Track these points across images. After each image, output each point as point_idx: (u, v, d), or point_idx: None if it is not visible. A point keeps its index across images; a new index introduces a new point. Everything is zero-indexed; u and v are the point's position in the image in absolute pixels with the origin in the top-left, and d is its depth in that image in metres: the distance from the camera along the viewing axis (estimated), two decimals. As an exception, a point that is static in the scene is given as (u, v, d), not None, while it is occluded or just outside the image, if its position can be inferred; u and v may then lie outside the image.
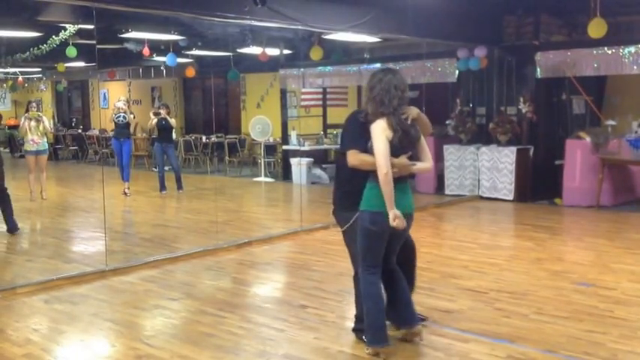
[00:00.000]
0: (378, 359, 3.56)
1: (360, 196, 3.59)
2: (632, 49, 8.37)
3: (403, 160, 3.48)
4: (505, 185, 9.37)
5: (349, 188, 3.67)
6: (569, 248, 6.76)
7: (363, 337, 3.71)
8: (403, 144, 3.49)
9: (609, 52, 8.55)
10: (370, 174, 3.52)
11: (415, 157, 3.57)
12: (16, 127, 15.67)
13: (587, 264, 5.80)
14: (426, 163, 3.62)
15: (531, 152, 9.44)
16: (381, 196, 3.44)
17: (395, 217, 3.42)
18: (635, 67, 8.41)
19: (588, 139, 8.80)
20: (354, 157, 3.51)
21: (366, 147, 3.51)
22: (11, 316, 4.50)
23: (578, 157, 8.81)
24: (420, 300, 4.64)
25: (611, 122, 9.25)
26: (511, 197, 9.28)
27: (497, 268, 5.61)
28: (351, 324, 4.05)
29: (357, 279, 3.78)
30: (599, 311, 4.39)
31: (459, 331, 4.02)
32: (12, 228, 7.26)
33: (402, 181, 3.57)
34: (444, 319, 4.26)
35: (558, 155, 9.21)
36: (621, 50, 8.46)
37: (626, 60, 8.43)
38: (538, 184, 9.39)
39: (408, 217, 3.58)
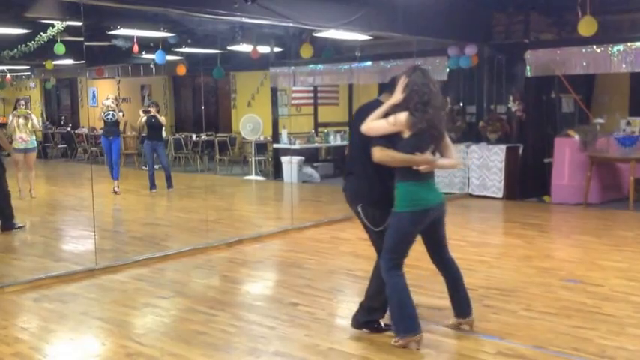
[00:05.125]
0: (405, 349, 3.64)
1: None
2: (621, 47, 8.43)
3: (428, 155, 3.55)
4: (494, 183, 9.43)
5: (391, 184, 3.62)
6: (557, 245, 6.81)
7: (392, 327, 3.75)
8: (427, 140, 3.55)
9: (598, 50, 8.61)
10: (396, 173, 3.58)
11: (439, 154, 3.68)
12: (3, 125, 15.53)
13: (575, 261, 5.85)
14: (450, 160, 3.74)
15: (520, 150, 9.50)
16: (417, 193, 3.55)
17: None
18: (623, 66, 8.47)
19: (577, 137, 8.87)
20: (381, 154, 3.54)
21: (390, 141, 3.55)
22: (0, 314, 4.46)
23: (566, 155, 8.88)
24: (410, 297, 4.66)
25: (599, 120, 9.33)
26: (500, 195, 9.34)
27: (486, 265, 5.65)
28: (341, 321, 4.06)
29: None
30: (588, 307, 4.43)
31: (448, 327, 4.04)
32: (6, 227, 7.24)
33: (431, 174, 3.63)
34: (433, 315, 4.27)
35: (547, 153, 9.28)
36: (610, 49, 8.52)
37: (615, 58, 8.49)
38: (527, 182, 9.45)
39: (441, 206, 3.69)
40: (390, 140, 3.56)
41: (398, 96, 3.58)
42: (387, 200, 3.63)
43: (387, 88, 3.81)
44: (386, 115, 3.59)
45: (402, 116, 3.51)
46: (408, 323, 3.64)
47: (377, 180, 3.66)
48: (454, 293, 3.90)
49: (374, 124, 3.58)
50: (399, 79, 3.66)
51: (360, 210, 3.74)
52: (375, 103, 3.76)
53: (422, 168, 3.52)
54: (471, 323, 3.93)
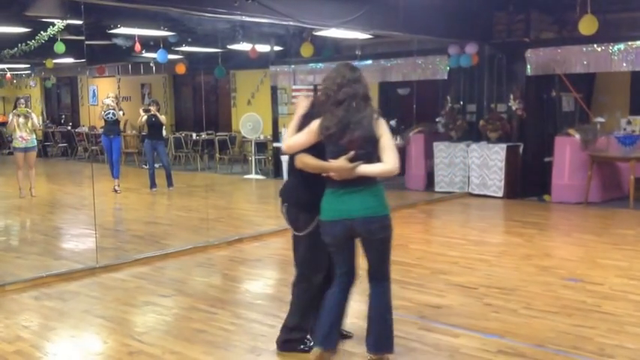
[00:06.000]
0: None
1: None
2: (622, 46, 8.44)
3: (340, 162, 3.16)
4: (495, 182, 9.43)
5: (320, 190, 3.35)
6: (557, 244, 6.81)
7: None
8: (342, 144, 3.18)
9: (598, 49, 8.62)
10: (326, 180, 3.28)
11: (375, 159, 3.22)
12: (4, 124, 15.55)
13: (575, 260, 5.85)
14: (376, 166, 3.19)
15: (521, 149, 9.50)
16: (330, 203, 3.26)
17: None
18: (623, 65, 8.49)
19: (577, 136, 8.87)
20: (298, 160, 3.33)
21: (318, 148, 3.27)
22: (1, 312, 4.47)
23: (567, 154, 8.87)
24: (410, 295, 4.68)
25: (600, 119, 9.33)
26: (501, 194, 9.34)
27: (486, 264, 5.65)
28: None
29: (296, 285, 3.60)
30: (587, 306, 4.44)
31: (448, 326, 4.05)
32: None
33: (355, 183, 3.19)
34: (433, 314, 4.29)
35: (547, 152, 9.27)
36: (610, 48, 8.53)
37: (615, 57, 8.51)
38: (527, 181, 9.45)
39: (364, 223, 3.21)
40: (317, 148, 3.27)
41: (300, 110, 3.38)
42: (312, 205, 3.34)
43: None
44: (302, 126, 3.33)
45: (314, 124, 3.25)
46: (321, 338, 3.32)
47: (304, 182, 3.40)
48: (368, 324, 3.38)
49: (292, 142, 3.32)
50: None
51: (284, 210, 3.53)
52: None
53: (332, 175, 3.18)
54: None
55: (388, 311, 3.39)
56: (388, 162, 3.20)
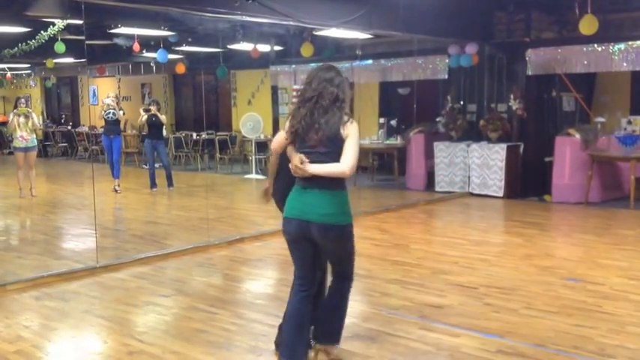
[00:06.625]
0: None
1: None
2: (622, 46, 8.45)
3: (294, 157, 3.14)
4: (495, 182, 9.43)
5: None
6: (558, 244, 6.82)
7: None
8: (307, 141, 3.14)
9: (599, 49, 8.63)
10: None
11: (337, 159, 3.12)
12: (4, 123, 15.56)
13: (575, 260, 5.85)
14: (330, 165, 3.09)
15: (521, 149, 9.50)
16: (292, 200, 3.22)
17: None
18: (624, 65, 8.50)
19: (578, 136, 8.87)
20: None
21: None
22: (1, 312, 4.47)
23: (567, 154, 8.88)
24: (411, 295, 4.68)
25: (600, 119, 9.33)
26: (501, 194, 9.34)
27: (486, 264, 5.65)
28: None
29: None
30: (588, 306, 4.44)
31: (449, 325, 4.05)
32: None
33: (315, 184, 3.12)
34: (434, 314, 4.29)
35: (548, 152, 9.28)
36: (611, 47, 8.54)
37: (616, 57, 8.51)
38: (528, 181, 9.46)
39: (316, 227, 3.11)
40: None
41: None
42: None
43: None
44: None
45: (288, 121, 3.26)
46: (281, 348, 3.34)
47: (289, 182, 3.35)
48: (319, 314, 3.37)
49: (274, 140, 3.34)
50: None
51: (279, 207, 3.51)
52: None
53: (292, 166, 3.14)
54: (329, 352, 3.38)
55: (342, 308, 3.37)
56: (343, 162, 3.08)
